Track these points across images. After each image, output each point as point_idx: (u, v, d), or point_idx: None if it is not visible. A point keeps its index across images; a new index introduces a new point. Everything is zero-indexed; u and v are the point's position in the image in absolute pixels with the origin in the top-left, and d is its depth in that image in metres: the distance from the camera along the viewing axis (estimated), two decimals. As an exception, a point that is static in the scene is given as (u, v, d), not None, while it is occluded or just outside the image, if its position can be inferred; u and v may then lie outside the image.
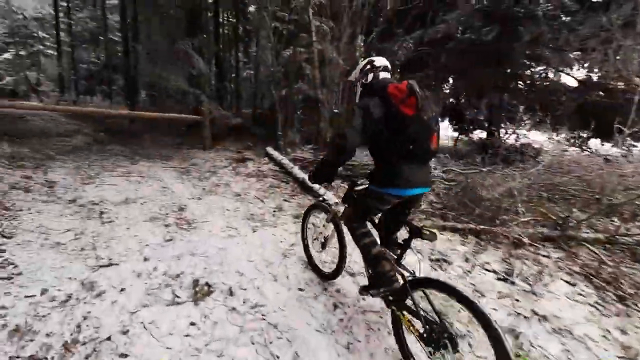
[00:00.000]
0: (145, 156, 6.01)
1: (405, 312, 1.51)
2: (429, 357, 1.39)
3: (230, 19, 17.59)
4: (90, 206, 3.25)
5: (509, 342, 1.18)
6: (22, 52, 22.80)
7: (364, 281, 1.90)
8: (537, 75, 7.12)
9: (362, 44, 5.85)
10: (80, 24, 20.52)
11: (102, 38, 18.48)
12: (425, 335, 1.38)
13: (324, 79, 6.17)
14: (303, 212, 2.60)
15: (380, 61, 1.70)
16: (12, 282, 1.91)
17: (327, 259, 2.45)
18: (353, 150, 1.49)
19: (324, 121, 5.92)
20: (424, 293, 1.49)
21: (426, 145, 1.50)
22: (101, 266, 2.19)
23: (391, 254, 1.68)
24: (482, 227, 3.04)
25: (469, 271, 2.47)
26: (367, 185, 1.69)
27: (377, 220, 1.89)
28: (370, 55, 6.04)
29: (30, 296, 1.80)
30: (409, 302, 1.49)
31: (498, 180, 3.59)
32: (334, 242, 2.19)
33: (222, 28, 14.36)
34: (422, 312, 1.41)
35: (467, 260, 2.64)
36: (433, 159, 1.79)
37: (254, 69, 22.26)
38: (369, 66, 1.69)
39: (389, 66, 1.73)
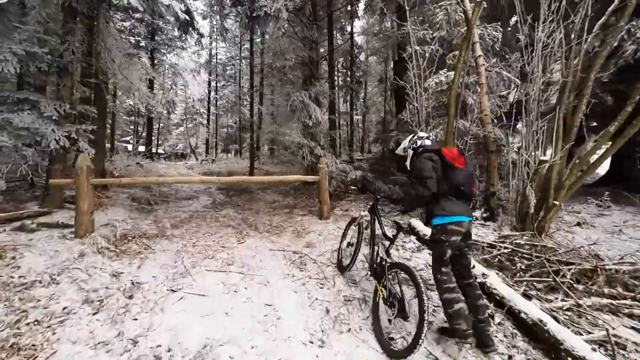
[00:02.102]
0: (254, 227, 4.93)
1: (381, 285, 2.22)
2: (388, 319, 2.11)
3: (341, 69, 17.90)
4: (148, 366, 1.85)
5: (429, 308, 1.82)
6: (190, 125, 30.10)
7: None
8: None
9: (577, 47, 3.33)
10: (224, 98, 25.15)
11: (236, 106, 21.82)
12: (386, 299, 2.13)
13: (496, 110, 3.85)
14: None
15: (423, 134, 2.44)
16: None
17: (347, 256, 3.13)
18: (433, 186, 2.06)
19: (515, 175, 3.45)
20: (395, 273, 2.23)
21: (470, 188, 2.10)
22: None
23: (384, 244, 2.52)
24: None
25: None
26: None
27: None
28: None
29: None
30: (384, 278, 2.19)
31: None
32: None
33: (336, 76, 14.27)
34: (389, 285, 2.14)
35: None
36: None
37: (362, 114, 21.66)
38: (416, 136, 2.43)
39: (430, 136, 2.42)
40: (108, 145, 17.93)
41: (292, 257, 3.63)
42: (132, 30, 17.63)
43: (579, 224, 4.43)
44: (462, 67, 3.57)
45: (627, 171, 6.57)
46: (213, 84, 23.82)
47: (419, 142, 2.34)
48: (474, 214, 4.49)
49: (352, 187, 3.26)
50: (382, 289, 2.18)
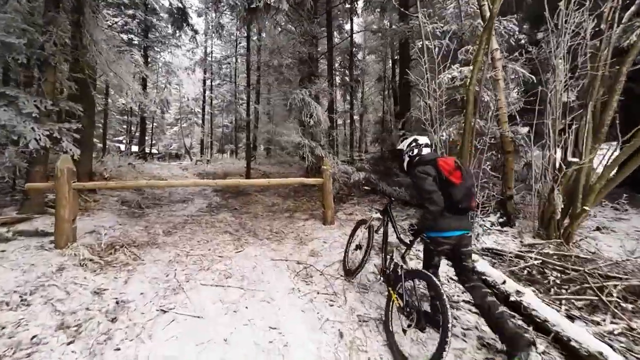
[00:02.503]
0: (253, 233, 4.59)
1: (395, 292, 2.12)
2: (403, 329, 1.98)
3: (339, 68, 17.62)
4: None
5: (451, 321, 1.69)
6: (184, 125, 29.58)
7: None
8: None
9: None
10: (219, 97, 24.68)
11: (232, 105, 21.48)
12: (402, 308, 2.00)
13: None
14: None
15: (423, 140, 2.29)
16: None
17: (355, 260, 3.05)
18: (440, 201, 1.96)
19: (538, 178, 3.17)
20: (412, 281, 2.08)
21: (468, 204, 2.03)
22: None
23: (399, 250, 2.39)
24: None
25: None
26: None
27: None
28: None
29: None
30: (400, 286, 2.08)
31: None
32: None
33: (334, 75, 13.98)
34: (405, 294, 2.01)
35: None
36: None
37: (360, 114, 21.42)
38: (414, 143, 2.29)
39: (429, 143, 2.29)
40: (100, 145, 17.45)
41: (296, 269, 3.31)
42: (124, 27, 17.14)
43: (598, 229, 4.18)
44: (482, 60, 3.28)
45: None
46: (208, 82, 23.36)
47: (415, 151, 2.27)
48: (488, 219, 4.26)
49: (365, 188, 3.16)
50: (397, 297, 2.08)
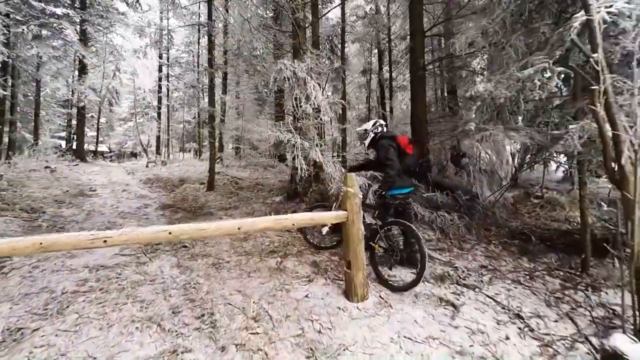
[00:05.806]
0: (208, 324, 2.22)
1: (375, 243, 2.90)
2: (390, 266, 2.95)
3: (322, 55, 15.37)
4: None
5: (427, 259, 2.47)
6: (140, 120, 25.56)
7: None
8: None
9: None
10: (180, 89, 21.25)
11: (196, 92, 18.40)
12: (387, 250, 2.90)
13: None
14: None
15: (382, 122, 3.29)
16: None
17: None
18: (398, 166, 2.95)
19: None
20: (386, 231, 2.90)
21: (416, 168, 3.16)
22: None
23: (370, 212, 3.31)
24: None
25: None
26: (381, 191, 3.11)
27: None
28: None
29: None
30: (378, 237, 2.91)
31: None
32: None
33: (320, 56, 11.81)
34: (387, 240, 2.91)
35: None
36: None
37: (341, 110, 19.39)
38: (377, 123, 3.26)
39: (387, 124, 3.31)
40: (32, 140, 14.40)
41: None
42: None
43: None
44: None
45: None
46: (165, 70, 19.90)
47: (380, 129, 3.23)
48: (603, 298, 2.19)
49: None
50: (379, 246, 2.90)
